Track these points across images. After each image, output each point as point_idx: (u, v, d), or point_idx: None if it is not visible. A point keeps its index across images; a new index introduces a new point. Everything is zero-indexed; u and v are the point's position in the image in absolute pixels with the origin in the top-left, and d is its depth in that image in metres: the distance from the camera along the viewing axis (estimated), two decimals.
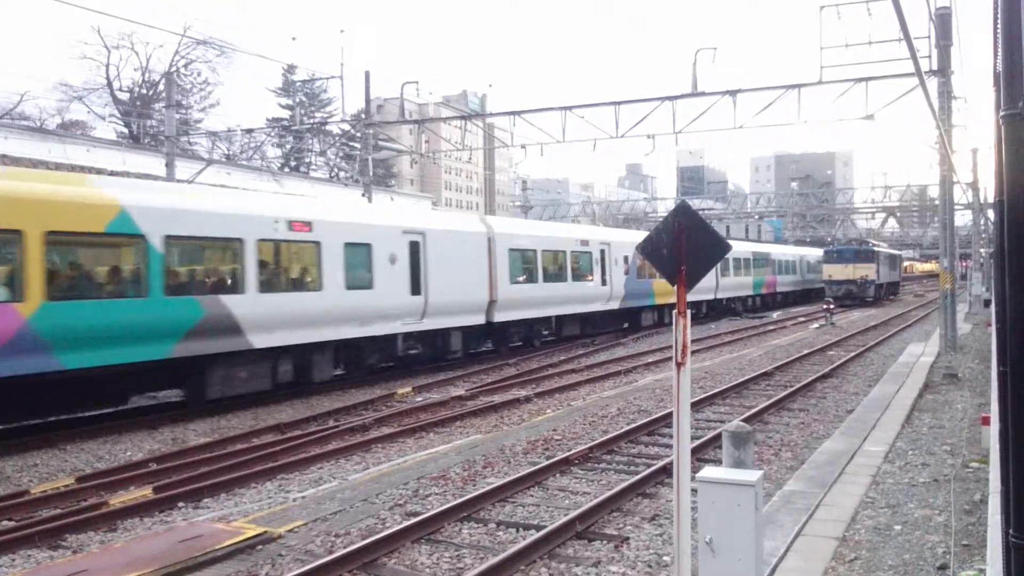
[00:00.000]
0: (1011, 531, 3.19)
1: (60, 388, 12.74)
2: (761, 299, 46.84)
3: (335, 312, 16.73)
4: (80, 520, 8.61)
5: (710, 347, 25.88)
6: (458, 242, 20.81)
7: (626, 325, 31.06)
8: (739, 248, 42.45)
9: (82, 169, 26.03)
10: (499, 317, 22.26)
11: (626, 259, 29.47)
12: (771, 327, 34.00)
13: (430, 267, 19.39)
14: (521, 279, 23.50)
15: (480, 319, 21.68)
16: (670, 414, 11.32)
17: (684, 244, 5.04)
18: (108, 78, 52.20)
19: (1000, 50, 3.41)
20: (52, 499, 9.69)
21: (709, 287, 37.46)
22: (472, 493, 8.89)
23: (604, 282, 28.00)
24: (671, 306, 35.11)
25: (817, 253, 58.04)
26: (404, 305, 18.67)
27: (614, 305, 28.81)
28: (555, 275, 25.33)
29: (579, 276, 26.71)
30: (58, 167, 25.74)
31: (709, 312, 38.79)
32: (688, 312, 5.04)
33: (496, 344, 23.80)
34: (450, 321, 20.45)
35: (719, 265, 33.60)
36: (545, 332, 25.76)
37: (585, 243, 27.18)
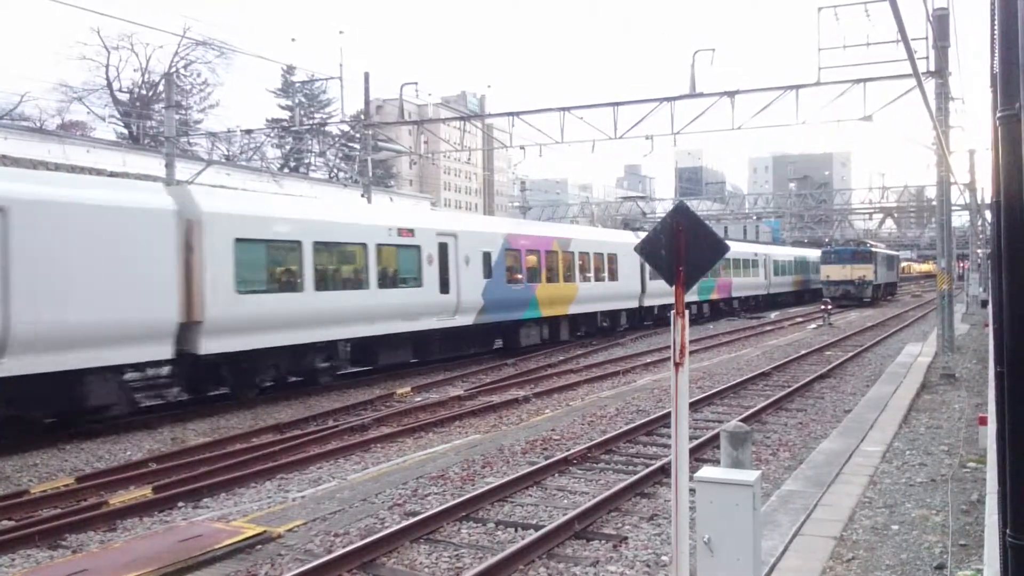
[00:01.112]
0: (1008, 531, 3.20)
1: None
2: (710, 306, 38.88)
3: None
4: (80, 520, 8.62)
5: (708, 347, 25.93)
6: (104, 226, 12.82)
7: (499, 344, 23.94)
8: None
9: (82, 170, 26.02)
10: (215, 346, 14.41)
11: (487, 257, 21.94)
12: (769, 327, 34.11)
13: (20, 268, 11.62)
14: (266, 286, 15.70)
15: (164, 351, 13.86)
16: (668, 414, 11.34)
17: (682, 245, 5.05)
18: (108, 79, 52.30)
19: (997, 51, 3.43)
20: (52, 499, 9.70)
21: (632, 293, 30.30)
22: (471, 493, 8.92)
23: (445, 289, 20.32)
24: (568, 318, 27.14)
25: (790, 251, 56.03)
26: None
27: (465, 320, 21.05)
28: (346, 280, 17.70)
29: (395, 280, 18.89)
30: (58, 168, 25.71)
31: (632, 322, 31.23)
32: (686, 313, 5.06)
33: (233, 387, 15.71)
34: (86, 358, 12.51)
35: (646, 267, 28.49)
36: (324, 365, 17.49)
37: (407, 233, 19.16)
